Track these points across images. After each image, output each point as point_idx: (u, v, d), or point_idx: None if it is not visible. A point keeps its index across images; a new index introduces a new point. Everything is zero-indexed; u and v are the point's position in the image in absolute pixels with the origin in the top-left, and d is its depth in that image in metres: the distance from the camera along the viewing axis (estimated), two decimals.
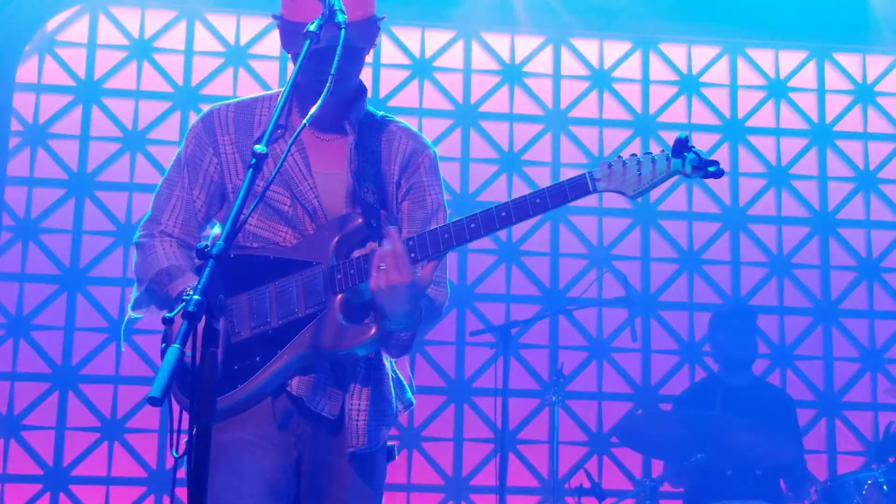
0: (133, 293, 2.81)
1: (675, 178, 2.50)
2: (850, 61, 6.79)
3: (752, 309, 5.96)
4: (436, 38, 6.57)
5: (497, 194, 6.37)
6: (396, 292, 2.51)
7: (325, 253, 2.66)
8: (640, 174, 2.48)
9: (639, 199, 2.57)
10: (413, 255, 2.55)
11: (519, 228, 6.36)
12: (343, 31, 2.34)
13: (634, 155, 2.52)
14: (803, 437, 5.87)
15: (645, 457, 6.08)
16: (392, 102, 6.41)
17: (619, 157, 2.53)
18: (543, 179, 6.39)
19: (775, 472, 5.25)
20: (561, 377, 5.08)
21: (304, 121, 2.30)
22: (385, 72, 6.49)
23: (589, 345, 6.35)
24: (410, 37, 6.54)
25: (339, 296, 2.62)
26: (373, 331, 2.59)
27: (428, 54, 6.55)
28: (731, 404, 5.33)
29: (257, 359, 2.62)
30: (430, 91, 6.53)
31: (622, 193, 2.50)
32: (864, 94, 6.75)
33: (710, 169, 2.41)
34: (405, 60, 6.53)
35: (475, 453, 6.18)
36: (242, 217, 2.10)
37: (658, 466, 5.98)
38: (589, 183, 2.52)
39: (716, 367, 5.80)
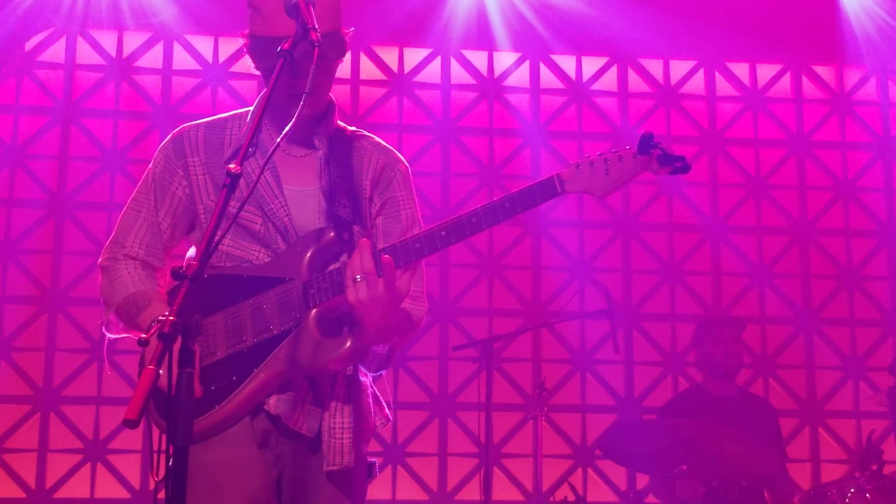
0: (105, 315, 2.80)
1: (641, 175, 2.49)
2: (826, 73, 6.83)
3: (740, 318, 5.97)
4: (414, 55, 6.59)
5: None
6: (374, 303, 2.50)
7: (298, 268, 2.65)
8: (607, 174, 2.47)
9: (606, 199, 2.55)
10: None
11: (500, 242, 6.38)
12: (316, 49, 2.33)
13: (601, 154, 2.51)
14: (787, 446, 5.88)
15: (629, 469, 6.08)
16: (371, 119, 6.42)
17: (587, 157, 2.51)
18: None
19: (759, 482, 5.26)
20: (544, 390, 5.07)
21: (278, 140, 2.29)
22: (364, 88, 6.51)
23: (571, 357, 6.36)
24: (389, 54, 6.56)
25: (314, 311, 2.61)
26: (348, 344, 2.58)
27: (406, 70, 6.57)
28: (714, 414, 5.33)
29: (234, 378, 2.61)
30: (409, 107, 6.54)
31: (591, 194, 2.48)
32: (841, 104, 6.80)
33: (677, 165, 2.40)
34: (384, 77, 6.55)
35: (459, 468, 6.18)
36: (217, 238, 2.09)
37: (642, 479, 5.98)
38: (557, 184, 2.50)
39: (699, 377, 5.81)
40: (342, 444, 2.64)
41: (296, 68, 2.50)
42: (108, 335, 2.82)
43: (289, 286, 2.64)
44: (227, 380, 2.61)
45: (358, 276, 2.49)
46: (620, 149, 2.49)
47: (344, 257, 2.67)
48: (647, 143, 2.41)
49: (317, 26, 2.36)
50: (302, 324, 2.60)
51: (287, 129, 2.29)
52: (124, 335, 2.79)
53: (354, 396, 2.70)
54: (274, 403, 2.63)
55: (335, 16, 2.69)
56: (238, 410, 2.61)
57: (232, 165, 2.14)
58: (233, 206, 2.45)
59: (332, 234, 2.67)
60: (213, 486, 2.55)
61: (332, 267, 2.66)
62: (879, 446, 4.63)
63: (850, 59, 6.65)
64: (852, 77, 6.83)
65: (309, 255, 2.65)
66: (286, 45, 2.39)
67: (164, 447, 2.05)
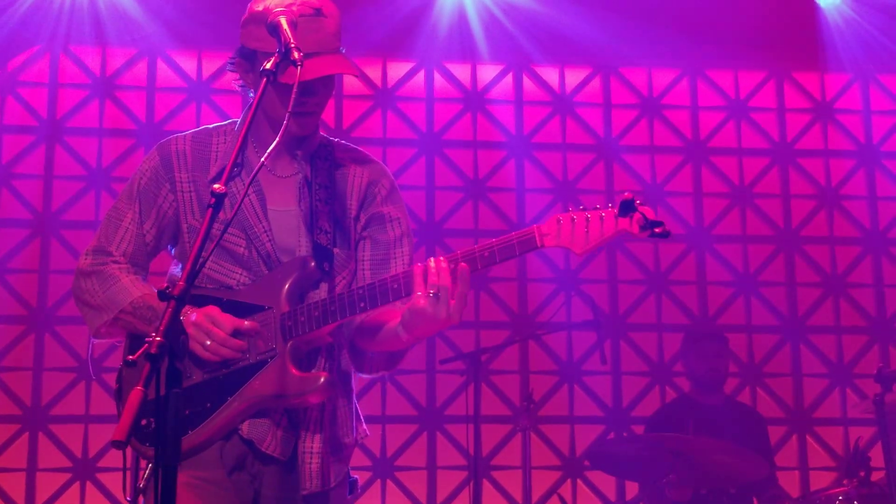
0: (92, 320, 2.75)
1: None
2: (808, 81, 6.88)
3: (722, 332, 5.97)
4: (397, 69, 6.60)
5: (463, 222, 6.40)
6: (444, 318, 2.49)
7: (276, 297, 2.64)
8: (587, 232, 2.48)
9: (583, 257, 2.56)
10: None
11: None
12: (299, 68, 2.35)
13: (584, 210, 2.51)
14: (775, 454, 5.90)
15: (618, 479, 6.09)
16: (356, 133, 6.43)
17: (569, 212, 2.52)
18: (509, 205, 6.43)
19: (748, 490, 5.27)
20: (532, 402, 5.08)
21: (262, 159, 2.30)
22: (348, 102, 6.52)
23: (559, 369, 6.36)
24: (373, 68, 6.58)
25: (290, 343, 2.61)
26: (322, 380, 2.58)
27: (390, 84, 6.59)
28: (703, 423, 5.34)
29: (208, 405, 2.62)
30: (393, 121, 6.56)
31: (569, 250, 2.49)
32: (824, 112, 6.84)
33: (656, 230, 2.43)
34: (368, 91, 6.56)
35: (449, 481, 6.18)
36: (203, 259, 2.09)
37: (632, 488, 5.99)
38: (537, 238, 2.51)
39: (687, 387, 5.83)
40: (309, 468, 2.64)
41: (305, 86, 2.53)
42: (96, 340, 2.79)
43: (266, 315, 2.64)
44: (201, 406, 2.61)
45: (432, 292, 2.47)
46: (602, 208, 2.50)
47: (323, 286, 2.66)
48: (628, 206, 2.43)
49: (301, 48, 2.39)
50: (277, 355, 2.60)
51: (270, 148, 2.30)
52: (108, 340, 2.78)
53: (328, 420, 2.70)
54: (248, 429, 2.63)
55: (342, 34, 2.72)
56: (212, 437, 2.62)
57: (217, 185, 2.15)
58: (217, 228, 2.45)
59: (312, 264, 2.67)
60: None
61: (310, 299, 2.66)
62: (867, 453, 4.64)
63: (832, 66, 6.69)
64: (834, 85, 6.87)
65: (288, 284, 2.65)
66: (270, 64, 2.40)
67: (131, 466, 2.04)
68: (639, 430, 5.95)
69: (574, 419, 6.33)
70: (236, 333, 2.59)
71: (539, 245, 2.50)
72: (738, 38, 6.55)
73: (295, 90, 2.34)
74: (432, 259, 2.51)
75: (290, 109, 2.34)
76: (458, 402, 6.18)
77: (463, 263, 2.50)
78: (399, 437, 6.19)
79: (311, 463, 2.63)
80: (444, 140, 6.57)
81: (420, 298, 2.48)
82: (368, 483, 6.05)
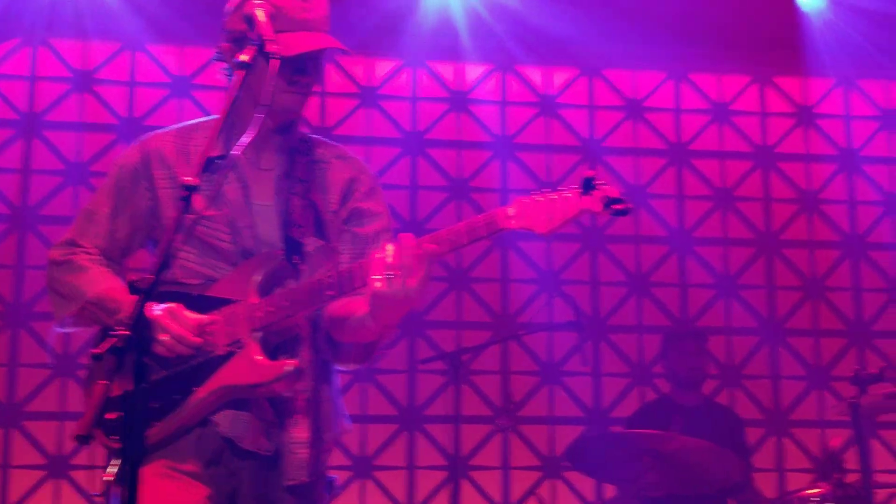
0: (59, 310, 2.74)
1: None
2: (790, 85, 6.89)
3: (702, 331, 6.00)
4: (382, 67, 6.59)
5: (446, 221, 6.37)
6: (403, 297, 2.49)
7: (246, 290, 2.64)
8: (551, 212, 2.48)
9: (548, 236, 2.56)
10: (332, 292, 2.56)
11: (468, 255, 6.38)
12: (271, 61, 2.34)
13: (547, 191, 2.52)
14: (752, 455, 5.91)
15: (597, 480, 6.08)
16: (339, 131, 6.41)
17: (532, 194, 2.52)
18: (492, 206, 6.38)
19: (725, 491, 5.28)
20: (512, 402, 5.07)
21: (237, 152, 2.29)
22: (332, 100, 6.50)
23: (540, 369, 6.36)
24: (357, 66, 6.56)
25: (257, 333, 2.60)
26: (287, 368, 2.57)
27: (375, 83, 6.57)
28: (682, 424, 5.35)
29: (176, 397, 2.61)
30: (377, 119, 6.54)
31: (533, 231, 2.49)
32: (805, 116, 6.86)
33: (617, 207, 2.43)
34: (352, 89, 6.54)
35: (428, 480, 6.16)
36: (170, 251, 2.07)
37: (610, 489, 5.99)
38: (501, 220, 2.50)
39: (667, 388, 5.84)
40: (295, 458, 2.63)
41: (297, 65, 2.60)
42: (60, 330, 2.77)
43: (235, 308, 2.63)
44: (169, 398, 2.60)
45: (391, 273, 2.47)
46: (565, 188, 2.51)
47: (290, 282, 2.66)
48: (589, 184, 2.44)
49: (270, 37, 2.38)
50: (245, 346, 2.60)
51: (248, 138, 2.30)
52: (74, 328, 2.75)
53: (312, 410, 2.69)
54: (229, 426, 2.62)
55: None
56: (181, 428, 2.61)
57: (188, 178, 2.13)
58: (198, 222, 2.44)
59: (281, 257, 2.67)
60: (153, 498, 2.53)
61: (279, 290, 2.65)
62: (841, 455, 4.66)
63: (814, 71, 6.71)
64: (816, 90, 6.90)
65: (258, 277, 2.64)
66: (246, 56, 2.39)
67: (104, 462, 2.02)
68: (618, 430, 5.95)
69: (554, 420, 6.33)
70: (199, 329, 2.58)
71: (504, 227, 2.49)
72: (721, 42, 6.57)
73: (272, 76, 2.34)
74: (390, 245, 2.50)
75: (268, 92, 2.33)
76: (438, 401, 6.17)
77: (429, 245, 2.49)
78: (379, 437, 6.17)
79: (297, 453, 2.62)
80: (428, 139, 6.56)
81: (375, 281, 2.48)
82: (347, 482, 6.03)
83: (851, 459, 4.52)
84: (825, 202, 6.78)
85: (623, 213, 2.43)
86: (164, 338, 2.55)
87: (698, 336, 5.78)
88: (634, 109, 6.75)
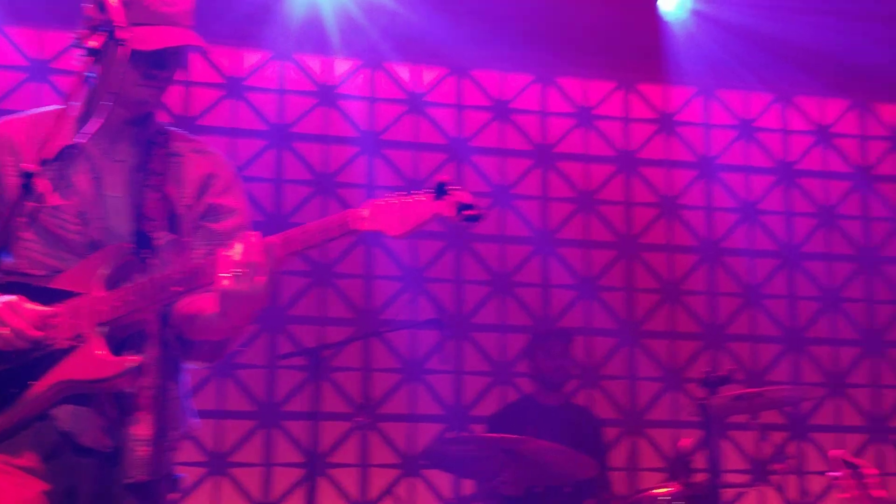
0: None
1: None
2: (653, 92, 7.06)
3: (568, 331, 6.09)
4: (249, 58, 6.49)
5: (311, 215, 6.33)
6: (251, 294, 2.45)
7: (92, 283, 2.57)
8: (403, 215, 2.49)
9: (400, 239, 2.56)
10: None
11: (332, 250, 6.34)
12: (120, 48, 2.28)
13: (400, 195, 2.53)
14: (608, 454, 6.04)
15: (455, 477, 6.12)
16: (203, 121, 6.29)
17: (385, 197, 2.52)
18: (358, 201, 6.35)
19: (582, 489, 5.38)
20: (372, 400, 5.06)
21: (83, 140, 2.22)
22: (197, 90, 6.38)
23: (402, 367, 6.37)
24: (223, 56, 6.44)
25: (100, 327, 2.54)
26: (129, 364, 2.52)
27: (241, 74, 6.47)
28: (542, 424, 5.43)
29: (15, 390, 2.52)
30: (243, 111, 6.44)
31: (385, 233, 2.49)
32: (666, 123, 7.04)
33: (468, 213, 2.45)
34: (218, 79, 6.43)
35: (284, 477, 6.10)
36: (8, 239, 1.99)
37: (468, 486, 6.03)
38: (351, 222, 2.50)
39: (530, 387, 5.91)
40: (137, 456, 2.57)
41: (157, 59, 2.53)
42: None
43: (78, 301, 2.56)
44: (8, 391, 2.52)
45: (239, 271, 2.42)
46: (418, 192, 2.52)
47: (138, 276, 2.60)
48: (442, 189, 2.46)
49: (123, 25, 2.31)
50: (88, 340, 2.53)
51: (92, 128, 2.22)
52: None
53: (158, 407, 2.63)
54: (69, 420, 2.54)
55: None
56: (18, 423, 2.52)
57: (25, 165, 2.06)
58: (48, 213, 2.35)
59: (129, 252, 2.60)
60: None
61: (126, 285, 2.59)
62: (691, 455, 4.79)
63: (675, 80, 6.89)
64: (677, 98, 7.08)
65: (104, 270, 2.58)
66: (95, 42, 2.32)
67: None
68: (478, 429, 6.01)
69: (415, 417, 6.34)
70: (41, 322, 2.50)
71: (356, 228, 2.49)
72: (588, 48, 6.68)
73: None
74: (238, 243, 2.47)
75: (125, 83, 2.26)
76: (297, 398, 6.12)
77: (274, 241, 2.48)
78: (236, 433, 6.08)
79: (138, 451, 2.56)
80: (295, 133, 6.49)
81: (223, 279, 2.45)
82: (201, 479, 5.91)
83: (702, 459, 4.65)
84: (684, 207, 6.97)
85: (474, 219, 2.45)
86: (3, 331, 2.46)
87: (565, 336, 5.88)
88: (501, 110, 6.82)
